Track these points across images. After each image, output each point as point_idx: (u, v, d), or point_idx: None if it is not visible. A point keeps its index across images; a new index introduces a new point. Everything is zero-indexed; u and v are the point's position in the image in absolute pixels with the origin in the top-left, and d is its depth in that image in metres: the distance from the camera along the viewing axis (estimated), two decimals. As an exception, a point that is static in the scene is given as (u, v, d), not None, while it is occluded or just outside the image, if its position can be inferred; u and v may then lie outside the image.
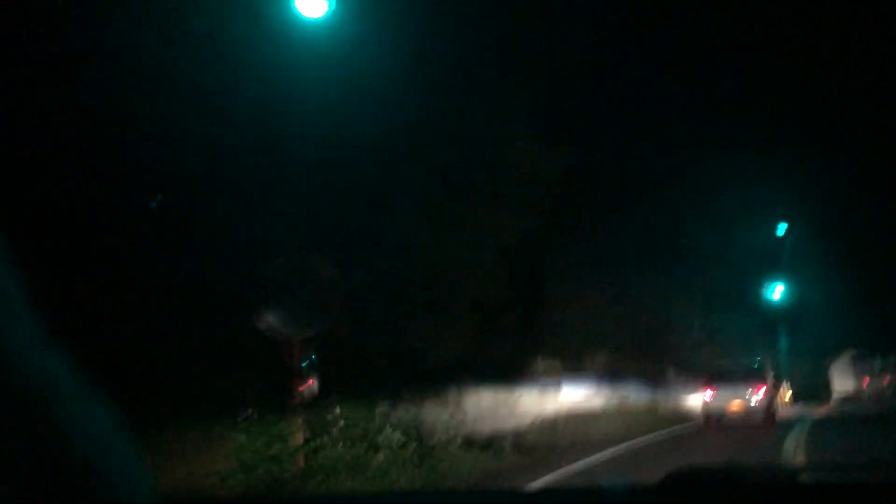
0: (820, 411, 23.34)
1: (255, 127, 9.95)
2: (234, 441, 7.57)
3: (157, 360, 7.86)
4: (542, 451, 12.08)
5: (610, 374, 18.60)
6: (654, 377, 21.37)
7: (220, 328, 8.47)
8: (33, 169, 7.29)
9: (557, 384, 15.90)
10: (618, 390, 18.60)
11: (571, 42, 16.75)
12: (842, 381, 39.09)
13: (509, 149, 13.17)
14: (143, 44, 8.50)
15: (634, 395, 19.50)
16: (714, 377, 17.47)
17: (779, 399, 22.98)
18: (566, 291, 17.35)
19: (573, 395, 16.35)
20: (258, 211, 9.45)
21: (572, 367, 16.95)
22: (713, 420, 16.87)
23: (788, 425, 15.77)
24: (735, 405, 16.56)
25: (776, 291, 31.70)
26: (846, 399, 34.57)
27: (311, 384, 8.59)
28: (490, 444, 11.46)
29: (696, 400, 21.34)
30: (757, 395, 16.75)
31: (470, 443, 11.11)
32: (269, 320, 8.21)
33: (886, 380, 37.64)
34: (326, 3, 9.28)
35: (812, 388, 35.06)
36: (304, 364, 8.75)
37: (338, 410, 9.31)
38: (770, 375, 19.00)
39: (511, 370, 14.36)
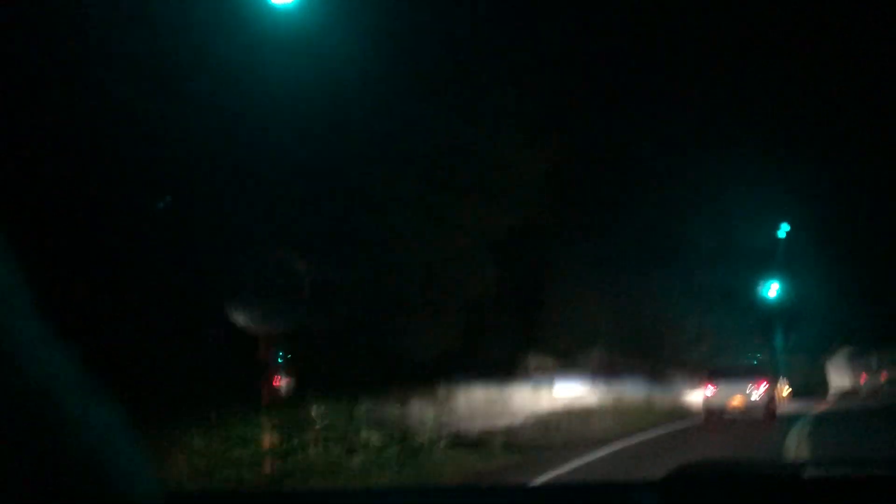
0: (819, 407, 23.06)
1: (228, 118, 9.40)
2: (189, 445, 6.96)
3: (111, 355, 7.26)
4: (535, 450, 11.51)
5: (605, 371, 18.18)
6: (650, 374, 20.91)
7: (182, 322, 7.87)
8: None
9: (551, 381, 15.40)
10: (613, 387, 18.15)
11: (569, 36, 16.39)
12: (839, 378, 39.02)
13: (497, 141, 12.64)
14: (106, 33, 8.02)
15: (630, 392, 19.04)
16: (715, 373, 17.54)
17: (777, 395, 22.67)
18: (561, 287, 16.94)
19: (567, 392, 15.84)
20: (229, 202, 8.87)
21: (566, 363, 16.48)
22: (714, 415, 16.89)
23: (789, 421, 15.62)
24: (736, 401, 16.54)
25: (773, 288, 31.45)
26: (844, 395, 34.42)
27: (284, 382, 8.03)
28: (479, 443, 10.90)
29: (694, 397, 21.03)
30: (757, 391, 16.69)
31: (458, 442, 10.55)
32: (238, 315, 7.65)
33: (883, 376, 37.61)
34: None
35: (810, 385, 34.93)
36: (276, 361, 8.18)
37: (315, 410, 8.74)
38: (769, 372, 19.00)
39: (503, 367, 13.84)
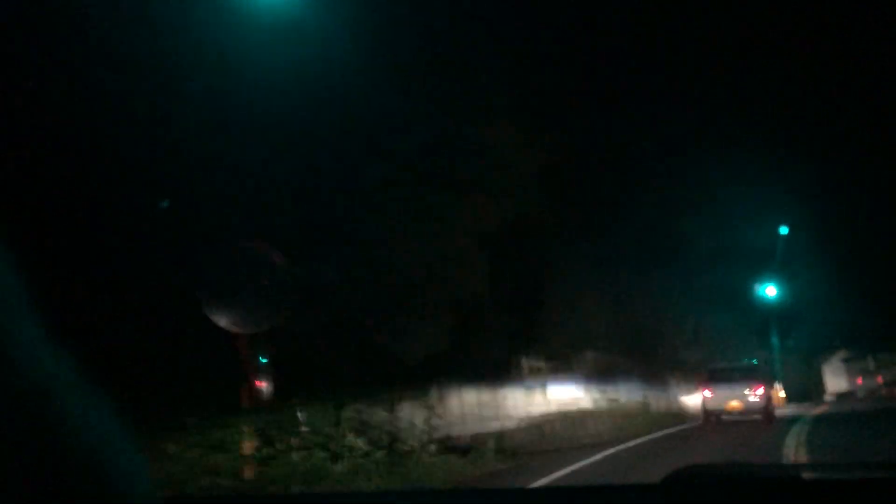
0: (817, 411, 22.85)
1: (216, 112, 9.04)
2: (164, 451, 6.59)
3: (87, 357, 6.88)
4: (528, 455, 11.18)
5: (600, 374, 17.87)
6: (646, 376, 20.59)
7: (157, 320, 7.50)
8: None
9: (545, 383, 15.05)
10: (609, 389, 17.82)
11: (568, 36, 16.19)
12: (835, 381, 39.02)
13: (492, 136, 12.26)
14: (86, 24, 7.68)
15: (626, 395, 18.72)
16: (713, 376, 17.55)
17: (774, 398, 22.46)
18: (556, 287, 16.61)
19: (562, 395, 15.49)
20: (209, 194, 8.48)
21: (561, 365, 16.14)
22: (712, 418, 16.92)
23: (786, 424, 15.49)
24: (734, 404, 16.57)
25: (770, 289, 31.26)
26: (840, 398, 34.34)
27: (266, 384, 7.66)
28: (470, 448, 10.55)
29: (690, 400, 20.80)
30: (755, 394, 16.67)
31: (448, 447, 10.20)
32: (216, 313, 7.28)
33: (879, 379, 37.63)
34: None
35: (806, 388, 34.82)
36: (258, 363, 7.82)
37: (299, 413, 8.38)
38: (768, 374, 18.88)
39: (495, 369, 13.47)
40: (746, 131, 28.51)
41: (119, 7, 7.93)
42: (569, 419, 14.55)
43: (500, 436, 11.76)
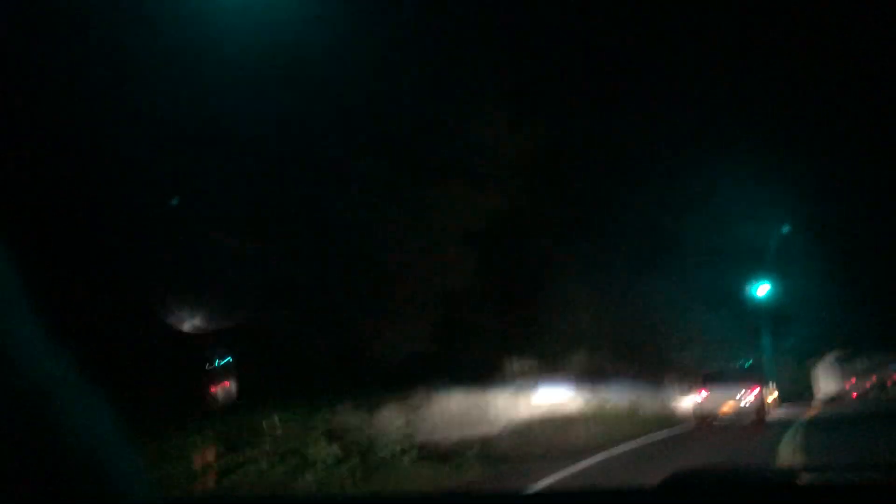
0: (810, 413, 22.64)
1: (181, 91, 8.40)
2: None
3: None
4: (513, 461, 10.61)
5: (590, 375, 17.39)
6: (637, 378, 20.12)
7: (107, 316, 6.84)
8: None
9: (532, 386, 14.48)
10: (599, 392, 17.33)
11: (566, 34, 15.71)
12: (827, 383, 38.97)
13: (478, 121, 11.65)
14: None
15: (617, 398, 18.24)
16: (707, 378, 17.56)
17: (766, 401, 22.19)
18: (545, 286, 16.05)
19: (550, 398, 14.94)
20: (165, 175, 7.80)
21: (549, 366, 15.58)
22: (705, 421, 16.90)
23: (780, 427, 15.35)
24: (727, 406, 16.53)
25: (762, 289, 31.09)
26: (831, 400, 34.33)
27: (226, 387, 7.04)
28: (452, 455, 9.96)
29: (683, 402, 20.53)
30: (749, 397, 16.67)
31: (428, 454, 9.60)
32: (171, 309, 6.66)
33: (870, 381, 37.67)
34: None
35: (798, 390, 34.76)
36: (219, 363, 7.19)
37: (265, 419, 7.75)
38: (761, 377, 19.36)
39: (480, 370, 12.88)
40: (743, 131, 28.29)
41: None
42: (558, 423, 14.00)
43: (486, 441, 11.19)
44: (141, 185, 7.48)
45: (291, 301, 8.75)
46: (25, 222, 6.53)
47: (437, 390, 11.25)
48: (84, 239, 7.10)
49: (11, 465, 0.67)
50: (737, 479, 1.79)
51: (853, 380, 38.02)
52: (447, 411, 11.45)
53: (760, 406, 17.02)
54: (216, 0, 8.94)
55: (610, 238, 18.75)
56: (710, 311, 24.93)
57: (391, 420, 9.67)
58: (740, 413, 16.52)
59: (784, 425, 15.74)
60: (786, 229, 27.07)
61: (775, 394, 29.61)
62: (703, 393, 16.99)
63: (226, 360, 7.35)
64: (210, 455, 6.73)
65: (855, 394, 36.24)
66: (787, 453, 10.43)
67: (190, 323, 6.77)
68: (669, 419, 19.39)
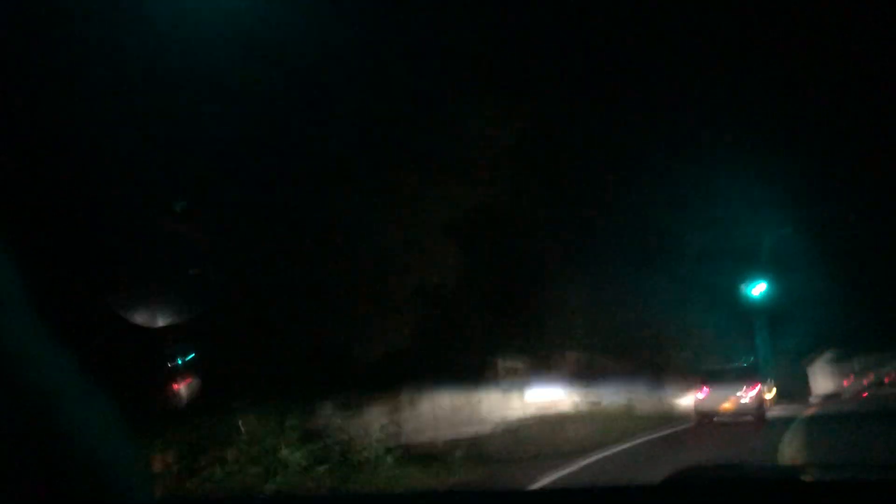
0: (809, 410, 22.40)
1: (166, 85, 7.94)
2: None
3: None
4: (502, 463, 10.10)
5: (584, 374, 16.98)
6: (631, 377, 19.71)
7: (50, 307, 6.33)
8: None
9: (523, 385, 14.00)
10: (592, 391, 16.93)
11: (564, 32, 15.34)
12: (823, 381, 38.96)
13: (463, 108, 11.18)
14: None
15: (610, 397, 17.83)
16: (708, 376, 17.53)
17: (764, 398, 21.94)
18: (536, 281, 15.61)
19: (541, 397, 14.47)
20: (127, 164, 7.30)
21: (541, 365, 15.11)
22: (705, 419, 16.92)
23: (781, 424, 15.48)
24: (727, 404, 16.53)
25: (759, 288, 30.93)
26: (828, 398, 34.23)
27: (186, 385, 6.53)
28: (437, 456, 9.45)
29: (680, 401, 20.24)
30: (749, 395, 16.58)
31: (411, 456, 9.10)
32: (124, 301, 6.16)
33: (867, 379, 37.74)
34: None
35: (794, 388, 34.56)
36: (179, 360, 6.69)
37: (231, 420, 7.24)
38: (760, 375, 19.15)
39: (469, 369, 12.40)
40: (741, 131, 28.09)
41: None
42: (549, 423, 13.52)
43: (474, 442, 10.70)
44: (100, 174, 7.01)
45: (265, 295, 8.25)
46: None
47: (424, 389, 10.78)
48: (37, 227, 6.61)
49: (12, 464, 0.67)
50: (738, 476, 1.79)
51: (850, 378, 37.97)
52: (435, 411, 10.98)
53: (760, 404, 17.01)
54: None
55: (605, 236, 18.47)
56: (706, 309, 24.71)
57: (374, 420, 9.18)
58: (740, 411, 16.51)
59: (784, 423, 15.67)
60: (784, 230, 26.90)
61: (774, 392, 29.38)
62: (704, 390, 16.95)
63: (189, 357, 6.85)
64: (170, 457, 6.22)
65: (852, 392, 36.17)
66: (790, 451, 10.27)
67: (149, 316, 6.27)
68: (668, 417, 18.98)
